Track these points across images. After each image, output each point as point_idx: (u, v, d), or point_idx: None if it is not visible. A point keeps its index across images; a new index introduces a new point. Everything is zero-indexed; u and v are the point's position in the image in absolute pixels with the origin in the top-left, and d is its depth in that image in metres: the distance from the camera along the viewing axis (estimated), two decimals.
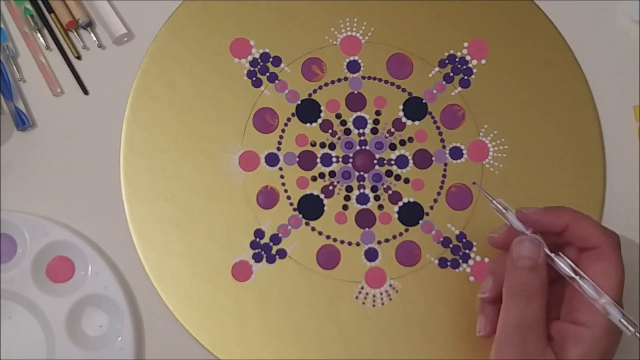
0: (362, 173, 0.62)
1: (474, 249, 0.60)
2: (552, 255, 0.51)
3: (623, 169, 0.63)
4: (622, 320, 0.49)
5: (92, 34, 0.64)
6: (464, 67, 0.63)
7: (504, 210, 0.53)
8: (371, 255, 0.60)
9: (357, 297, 0.59)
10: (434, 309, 0.59)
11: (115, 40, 0.63)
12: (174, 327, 0.59)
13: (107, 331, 0.60)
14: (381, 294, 0.60)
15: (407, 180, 0.61)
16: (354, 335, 0.59)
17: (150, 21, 0.63)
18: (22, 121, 0.62)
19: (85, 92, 0.63)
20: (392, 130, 0.62)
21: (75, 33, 0.64)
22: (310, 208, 0.61)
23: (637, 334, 0.49)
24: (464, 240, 0.61)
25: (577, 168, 0.62)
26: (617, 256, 0.51)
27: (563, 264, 0.51)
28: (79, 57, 0.64)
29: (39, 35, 0.64)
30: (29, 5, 0.64)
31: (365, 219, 0.61)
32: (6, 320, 0.59)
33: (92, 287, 0.59)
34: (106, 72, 0.64)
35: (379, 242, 0.60)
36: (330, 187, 0.61)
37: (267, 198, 0.61)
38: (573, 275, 0.51)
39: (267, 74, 0.63)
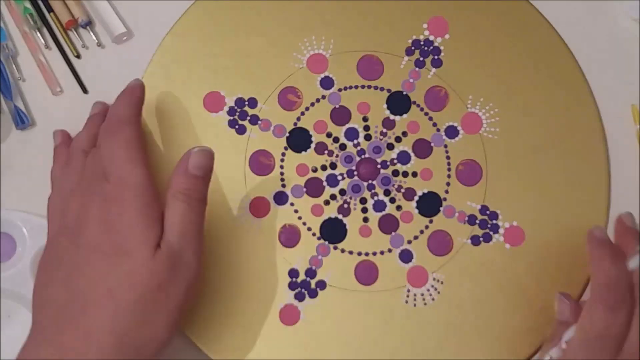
0: (370, 181, 0.61)
1: (500, 217, 0.60)
2: None
3: (623, 168, 0.63)
4: None
5: (91, 33, 0.64)
6: (431, 47, 0.63)
7: None
8: (406, 256, 0.59)
9: (407, 302, 0.58)
10: (482, 287, 0.58)
11: (115, 39, 0.63)
12: None
13: None
14: (428, 290, 0.59)
15: (415, 174, 0.61)
16: (417, 339, 0.58)
17: (150, 20, 0.64)
18: (22, 120, 0.61)
19: (85, 91, 0.63)
20: (385, 130, 0.62)
21: (74, 32, 0.64)
22: (333, 232, 0.60)
23: None
24: (488, 212, 0.60)
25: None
26: None
27: None
28: (78, 56, 0.63)
29: (38, 34, 0.64)
30: (28, 4, 0.64)
31: (388, 224, 0.60)
32: (6, 320, 0.58)
33: None
34: (105, 71, 0.63)
35: (409, 242, 0.60)
36: (345, 206, 0.60)
37: (289, 236, 0.60)
38: None
39: (248, 118, 0.62)
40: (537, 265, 0.59)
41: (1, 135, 0.61)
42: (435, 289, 0.58)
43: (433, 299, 0.58)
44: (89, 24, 0.63)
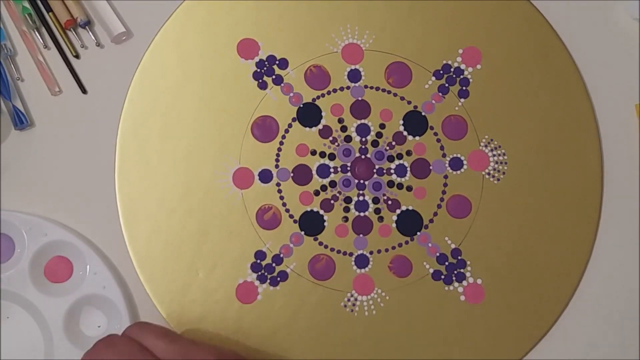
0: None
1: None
2: None
3: (623, 168, 0.64)
4: None
5: (90, 33, 0.64)
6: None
7: None
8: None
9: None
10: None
11: (114, 39, 0.64)
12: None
13: (105, 332, 0.60)
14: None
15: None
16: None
17: (149, 20, 0.64)
18: (21, 120, 0.62)
19: (84, 91, 0.64)
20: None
21: (73, 32, 0.64)
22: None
23: None
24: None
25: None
26: None
27: None
28: (77, 56, 0.64)
29: (37, 34, 0.64)
30: (27, 4, 0.64)
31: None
32: (4, 321, 0.60)
33: (91, 287, 0.60)
34: (105, 71, 0.64)
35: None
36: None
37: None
38: None
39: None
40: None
41: (0, 135, 0.62)
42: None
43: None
44: (88, 23, 0.64)
